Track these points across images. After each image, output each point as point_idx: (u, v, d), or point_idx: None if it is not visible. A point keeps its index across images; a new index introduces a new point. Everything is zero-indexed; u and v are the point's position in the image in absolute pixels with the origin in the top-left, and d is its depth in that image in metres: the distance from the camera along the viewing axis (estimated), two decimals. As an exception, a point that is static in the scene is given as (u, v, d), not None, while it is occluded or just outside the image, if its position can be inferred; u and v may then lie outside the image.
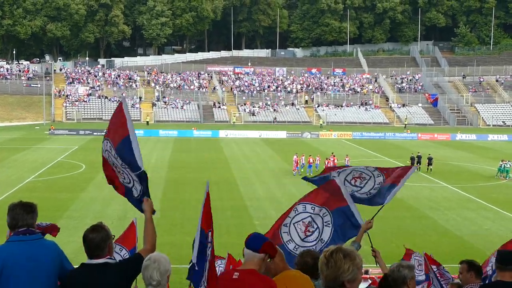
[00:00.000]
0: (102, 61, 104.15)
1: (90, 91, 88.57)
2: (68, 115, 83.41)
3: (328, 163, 41.72)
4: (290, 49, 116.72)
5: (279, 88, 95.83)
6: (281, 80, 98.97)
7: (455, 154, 55.25)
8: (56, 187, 36.22)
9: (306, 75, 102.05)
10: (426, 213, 30.98)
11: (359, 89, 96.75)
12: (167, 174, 40.77)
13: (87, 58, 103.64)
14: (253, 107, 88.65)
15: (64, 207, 30.29)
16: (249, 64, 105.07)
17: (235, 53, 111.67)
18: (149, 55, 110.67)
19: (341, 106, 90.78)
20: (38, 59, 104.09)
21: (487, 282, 7.05)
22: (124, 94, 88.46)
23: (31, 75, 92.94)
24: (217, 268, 8.84)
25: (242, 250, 4.49)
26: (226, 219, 28.37)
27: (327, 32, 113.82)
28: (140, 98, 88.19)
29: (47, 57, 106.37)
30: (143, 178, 5.76)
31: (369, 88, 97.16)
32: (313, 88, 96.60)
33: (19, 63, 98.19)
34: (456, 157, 52.70)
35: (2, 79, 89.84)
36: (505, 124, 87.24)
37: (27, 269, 4.61)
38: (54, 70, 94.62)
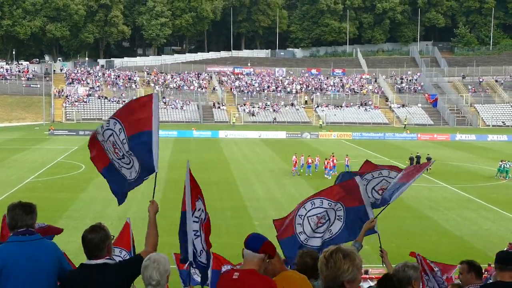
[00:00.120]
0: (101, 61, 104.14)
1: (89, 92, 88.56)
2: (67, 115, 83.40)
3: (327, 163, 41.76)
4: (290, 49, 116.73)
5: (278, 89, 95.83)
6: (281, 81, 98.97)
7: (455, 154, 55.27)
8: (56, 187, 36.22)
9: (306, 75, 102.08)
10: (426, 213, 30.99)
11: (358, 90, 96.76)
12: (167, 175, 40.73)
13: (86, 59, 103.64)
14: (253, 107, 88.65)
15: (63, 207, 30.30)
16: (249, 64, 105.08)
17: (234, 53, 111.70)
18: (148, 56, 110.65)
19: (341, 106, 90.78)
20: (37, 60, 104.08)
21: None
22: (124, 95, 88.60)
23: (30, 76, 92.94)
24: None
25: (241, 250, 4.49)
26: (225, 220, 28.38)
27: (327, 32, 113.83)
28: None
29: (47, 58, 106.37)
30: (144, 175, 5.78)
31: (368, 88, 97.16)
32: (313, 89, 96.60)
33: (18, 64, 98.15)
34: (456, 158, 52.70)
35: (2, 79, 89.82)
36: (505, 124, 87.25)
37: (27, 269, 4.61)
38: (54, 70, 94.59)
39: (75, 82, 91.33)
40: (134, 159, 5.77)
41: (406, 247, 22.22)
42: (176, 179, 39.59)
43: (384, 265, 6.71)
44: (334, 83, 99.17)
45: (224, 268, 8.89)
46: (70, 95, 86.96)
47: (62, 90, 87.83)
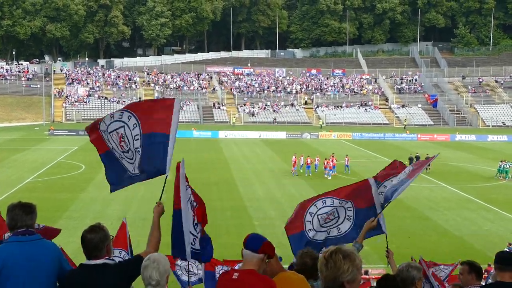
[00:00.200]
0: (101, 61, 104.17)
1: (89, 92, 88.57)
2: (67, 115, 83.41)
3: (327, 163, 41.75)
4: (290, 49, 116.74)
5: (278, 89, 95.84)
6: (281, 81, 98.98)
7: (455, 154, 55.25)
8: (56, 187, 36.22)
9: (306, 75, 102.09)
10: (426, 213, 30.99)
11: (358, 90, 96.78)
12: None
13: (86, 59, 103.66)
14: (253, 107, 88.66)
15: (63, 208, 30.29)
16: (249, 64, 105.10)
17: (234, 53, 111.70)
18: (148, 56, 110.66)
19: (341, 106, 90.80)
20: (37, 60, 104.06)
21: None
22: (124, 95, 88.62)
23: (30, 76, 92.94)
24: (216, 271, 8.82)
25: (241, 250, 4.49)
26: (225, 220, 28.39)
27: (327, 32, 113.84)
28: (140, 98, 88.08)
29: (47, 58, 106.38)
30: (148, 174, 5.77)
31: (368, 88, 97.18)
32: (313, 89, 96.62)
33: (18, 64, 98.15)
34: (456, 158, 52.70)
35: (2, 79, 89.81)
36: (505, 124, 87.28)
37: (26, 269, 4.61)
38: (54, 70, 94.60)
39: (75, 82, 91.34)
40: (138, 157, 5.73)
41: (406, 247, 22.26)
42: (176, 179, 39.60)
43: (389, 265, 6.73)
44: (334, 83, 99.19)
45: (218, 269, 8.86)
46: (70, 95, 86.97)
47: (62, 90, 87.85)
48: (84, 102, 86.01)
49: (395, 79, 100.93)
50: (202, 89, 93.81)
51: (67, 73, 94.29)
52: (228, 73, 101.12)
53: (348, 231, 7.13)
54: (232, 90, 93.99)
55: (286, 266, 6.37)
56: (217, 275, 8.70)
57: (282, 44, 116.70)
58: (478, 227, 28.58)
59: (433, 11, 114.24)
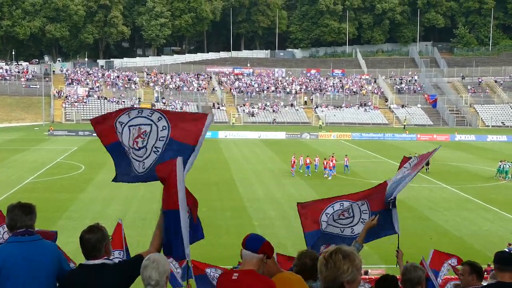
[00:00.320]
0: (101, 62, 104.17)
1: (89, 92, 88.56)
2: (67, 116, 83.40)
3: (327, 163, 41.75)
4: (289, 50, 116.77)
5: (278, 89, 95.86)
6: (280, 81, 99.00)
7: (454, 154, 55.25)
8: (56, 187, 36.21)
9: (305, 75, 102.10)
10: (426, 213, 30.99)
11: (358, 90, 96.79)
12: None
13: (86, 59, 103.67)
14: (252, 108, 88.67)
15: (63, 208, 30.28)
16: (248, 65, 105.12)
17: (234, 54, 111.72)
18: (148, 56, 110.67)
19: (340, 107, 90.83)
20: (37, 60, 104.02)
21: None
22: (123, 95, 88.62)
23: (30, 76, 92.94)
24: (210, 275, 8.76)
25: (240, 251, 4.49)
26: (225, 220, 28.40)
27: (326, 33, 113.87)
28: (139, 99, 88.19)
29: (46, 58, 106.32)
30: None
31: (368, 89, 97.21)
32: (312, 89, 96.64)
33: (18, 64, 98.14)
34: (455, 158, 52.71)
35: (1, 80, 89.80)
36: (504, 124, 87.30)
37: (26, 269, 4.61)
38: (53, 71, 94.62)
39: (74, 83, 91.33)
40: (154, 156, 5.65)
41: (407, 247, 22.21)
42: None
43: (397, 266, 6.76)
44: (333, 83, 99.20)
45: (208, 271, 8.81)
46: (69, 95, 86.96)
47: (62, 91, 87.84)
48: (84, 102, 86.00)
49: (395, 79, 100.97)
50: (201, 90, 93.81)
51: (66, 73, 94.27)
52: (227, 73, 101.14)
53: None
54: (232, 90, 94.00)
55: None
56: (209, 276, 8.67)
57: (281, 44, 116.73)
58: (478, 227, 28.59)
59: (433, 11, 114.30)
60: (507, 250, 17.85)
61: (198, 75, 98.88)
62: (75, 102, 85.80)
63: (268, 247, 4.45)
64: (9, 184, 36.46)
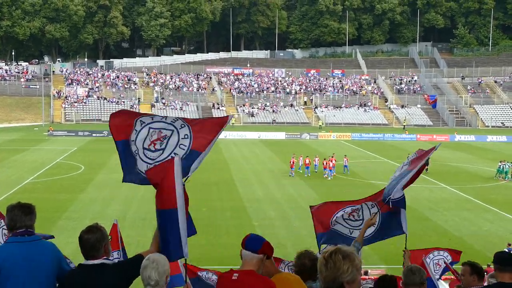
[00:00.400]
0: (101, 62, 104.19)
1: (89, 92, 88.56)
2: (67, 116, 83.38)
3: (327, 163, 41.74)
4: (289, 50, 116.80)
5: (278, 89, 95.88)
6: (280, 81, 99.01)
7: (454, 155, 55.26)
8: (55, 188, 36.19)
9: (305, 76, 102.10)
10: (426, 214, 30.98)
11: (358, 90, 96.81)
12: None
13: (86, 59, 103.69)
14: (252, 108, 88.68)
15: (63, 208, 30.27)
16: (248, 65, 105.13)
17: (234, 54, 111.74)
18: (148, 56, 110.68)
19: (340, 107, 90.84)
20: (37, 60, 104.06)
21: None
22: (123, 95, 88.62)
23: (30, 76, 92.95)
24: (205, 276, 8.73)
25: (240, 251, 4.49)
26: (225, 220, 28.40)
27: (326, 33, 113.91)
28: (139, 99, 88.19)
29: (46, 58, 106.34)
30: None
31: (368, 89, 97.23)
32: (312, 89, 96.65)
33: (18, 64, 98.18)
34: (455, 158, 52.71)
35: (1, 80, 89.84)
36: (504, 125, 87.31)
37: (26, 269, 4.61)
38: (53, 71, 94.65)
39: (74, 83, 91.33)
40: (169, 159, 5.62)
41: (408, 247, 22.23)
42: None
43: (404, 265, 6.76)
44: (333, 84, 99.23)
45: (201, 274, 8.77)
46: (69, 96, 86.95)
47: (61, 91, 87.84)
48: (84, 102, 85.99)
49: (395, 80, 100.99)
50: (201, 90, 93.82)
51: (66, 73, 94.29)
52: (227, 73, 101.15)
53: (371, 234, 7.16)
54: (232, 90, 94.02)
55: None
56: (204, 278, 8.64)
57: (281, 44, 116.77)
58: (478, 227, 28.58)
59: (433, 12, 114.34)
60: (506, 250, 17.87)
61: (198, 76, 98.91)
62: (75, 102, 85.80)
63: (268, 248, 4.45)
64: (9, 184, 36.44)
